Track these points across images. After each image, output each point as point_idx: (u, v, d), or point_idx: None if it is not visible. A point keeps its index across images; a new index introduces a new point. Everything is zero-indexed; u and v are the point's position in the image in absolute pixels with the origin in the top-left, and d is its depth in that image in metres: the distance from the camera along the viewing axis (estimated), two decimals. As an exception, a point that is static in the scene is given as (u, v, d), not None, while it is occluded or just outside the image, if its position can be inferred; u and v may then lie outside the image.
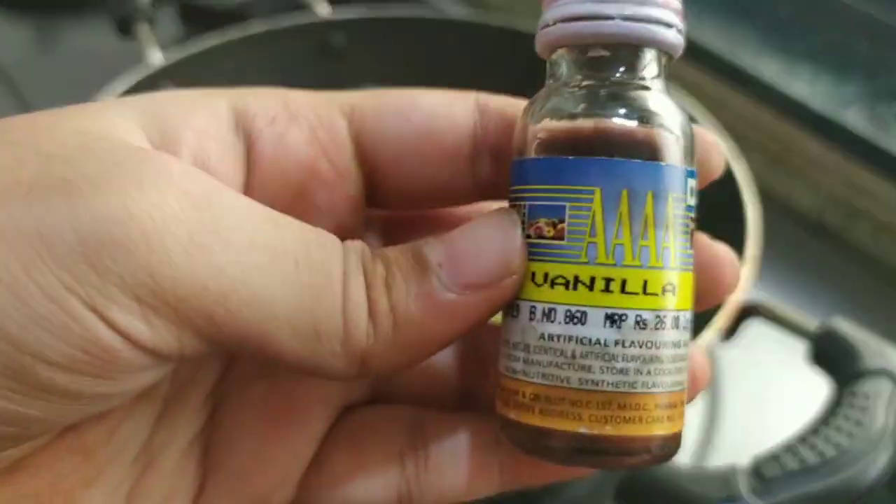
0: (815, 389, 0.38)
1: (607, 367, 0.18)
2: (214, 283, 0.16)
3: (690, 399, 0.20)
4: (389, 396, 0.23)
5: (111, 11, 0.60)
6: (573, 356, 0.18)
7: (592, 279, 0.18)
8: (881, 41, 0.64)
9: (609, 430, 0.18)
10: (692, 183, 0.19)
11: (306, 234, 0.18)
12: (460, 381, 0.23)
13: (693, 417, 0.48)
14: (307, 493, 0.21)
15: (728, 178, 0.44)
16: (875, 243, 0.59)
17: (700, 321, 0.35)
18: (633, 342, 0.18)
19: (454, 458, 0.21)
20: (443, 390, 0.23)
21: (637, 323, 0.18)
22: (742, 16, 0.69)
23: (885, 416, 0.34)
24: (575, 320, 0.18)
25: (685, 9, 0.19)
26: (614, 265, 0.18)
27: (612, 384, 0.18)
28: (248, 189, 0.20)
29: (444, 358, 0.22)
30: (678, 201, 0.19)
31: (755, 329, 0.41)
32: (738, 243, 0.41)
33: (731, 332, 0.40)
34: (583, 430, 0.18)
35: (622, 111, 0.19)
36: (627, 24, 0.19)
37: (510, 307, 0.19)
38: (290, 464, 0.21)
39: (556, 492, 0.39)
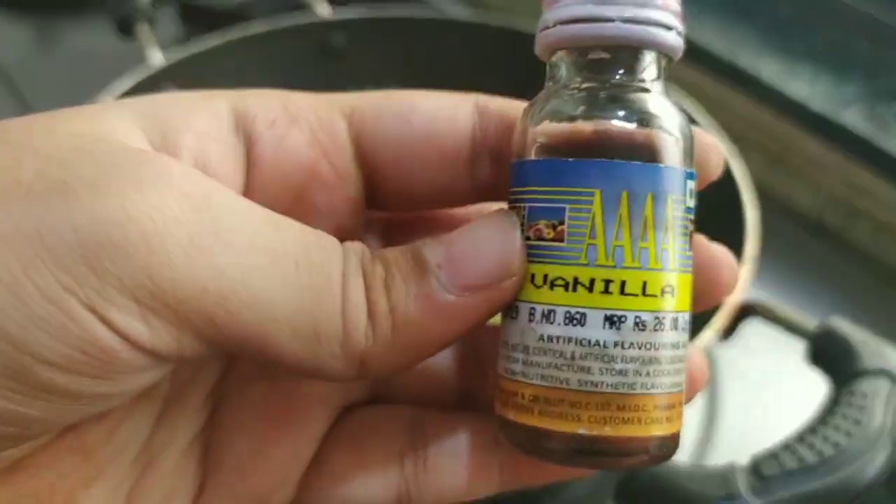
0: (813, 389, 0.38)
1: (606, 369, 0.18)
2: (214, 284, 0.16)
3: (689, 399, 0.20)
4: (389, 397, 0.23)
5: (111, 11, 0.60)
6: (572, 357, 0.18)
7: (592, 281, 0.18)
8: (881, 41, 0.64)
9: (608, 430, 0.18)
10: (691, 185, 0.19)
11: (306, 235, 0.18)
12: (459, 382, 0.23)
13: (692, 416, 0.48)
14: (307, 493, 0.21)
15: (727, 178, 0.44)
16: (875, 243, 0.59)
17: (699, 321, 0.35)
18: (632, 343, 0.18)
19: (454, 459, 0.21)
20: (442, 391, 0.23)
21: (636, 324, 0.18)
22: (742, 16, 0.69)
23: (883, 415, 0.34)
24: (574, 322, 0.18)
25: (685, 10, 0.19)
26: (614, 267, 0.18)
27: (612, 385, 0.18)
28: (248, 191, 0.20)
29: (444, 359, 0.22)
30: (677, 203, 0.19)
31: (754, 328, 0.41)
32: (737, 243, 0.41)
33: (729, 331, 0.40)
34: (582, 431, 0.18)
35: (622, 113, 0.19)
36: (627, 26, 0.19)
37: (509, 309, 0.19)
38: (290, 464, 0.21)
39: (556, 492, 0.39)
